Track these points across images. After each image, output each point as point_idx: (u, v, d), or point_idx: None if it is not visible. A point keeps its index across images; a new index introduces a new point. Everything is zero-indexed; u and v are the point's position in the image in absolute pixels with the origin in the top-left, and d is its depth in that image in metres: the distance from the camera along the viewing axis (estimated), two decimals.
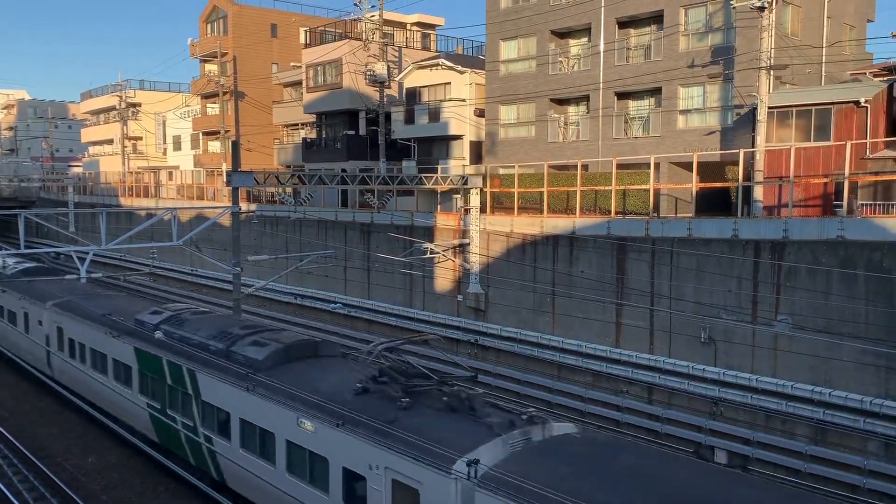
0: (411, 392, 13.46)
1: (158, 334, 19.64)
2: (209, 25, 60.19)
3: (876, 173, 23.76)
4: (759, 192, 25.17)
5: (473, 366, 27.90)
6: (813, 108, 26.00)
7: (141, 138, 70.23)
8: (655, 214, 27.15)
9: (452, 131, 39.40)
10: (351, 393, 13.98)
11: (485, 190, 30.96)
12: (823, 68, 31.63)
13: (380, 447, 12.39)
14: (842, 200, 23.08)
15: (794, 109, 26.29)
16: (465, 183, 29.11)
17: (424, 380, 14.00)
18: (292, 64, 57.23)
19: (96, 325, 22.44)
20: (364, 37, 42.75)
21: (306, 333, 28.01)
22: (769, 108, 25.82)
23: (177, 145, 69.55)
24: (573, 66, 34.86)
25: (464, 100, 39.35)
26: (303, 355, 16.58)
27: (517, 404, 17.51)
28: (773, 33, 25.87)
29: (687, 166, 29.16)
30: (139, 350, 19.94)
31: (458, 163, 39.13)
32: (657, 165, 28.36)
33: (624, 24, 32.91)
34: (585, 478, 10.38)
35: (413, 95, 42.12)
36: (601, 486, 10.12)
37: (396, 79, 43.13)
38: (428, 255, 30.30)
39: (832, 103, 25.59)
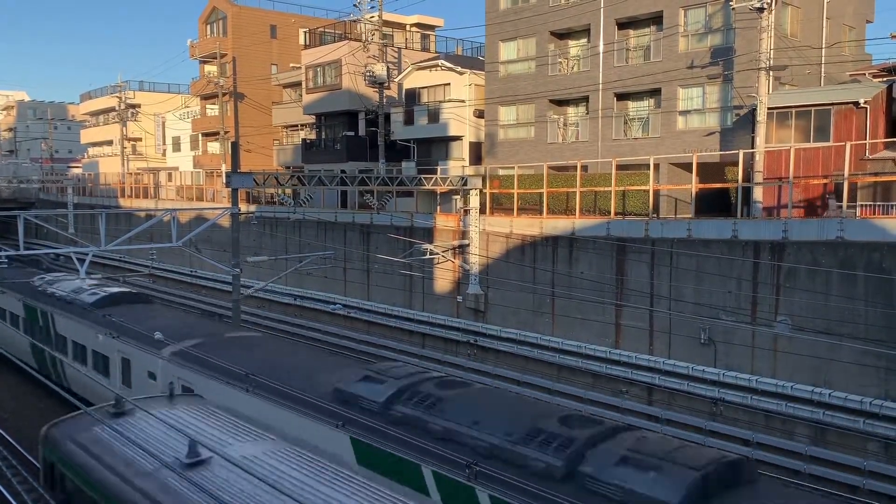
0: None
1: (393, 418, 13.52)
2: (209, 26, 60.20)
3: (875, 174, 23.77)
4: (758, 193, 25.18)
5: (473, 367, 27.88)
6: (812, 108, 26.01)
7: (140, 139, 70.25)
8: (655, 215, 27.16)
9: (452, 132, 39.40)
10: None
11: (484, 191, 30.97)
12: (823, 69, 31.64)
13: None
14: (837, 198, 23.14)
15: (794, 110, 26.30)
16: (465, 184, 29.10)
17: None
18: (292, 65, 57.24)
19: (260, 393, 15.70)
20: (363, 38, 42.75)
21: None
22: (768, 108, 25.83)
23: (176, 146, 69.54)
24: (572, 67, 34.88)
25: (463, 101, 39.35)
26: (728, 482, 10.42)
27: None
28: (773, 34, 25.87)
29: (686, 167, 29.17)
30: (360, 443, 13.53)
31: (457, 164, 39.11)
32: (657, 166, 28.38)
33: (623, 24, 32.93)
34: None
35: (412, 96, 42.11)
36: None
37: (396, 80, 43.12)
38: (427, 256, 30.30)
39: (831, 104, 25.61)
